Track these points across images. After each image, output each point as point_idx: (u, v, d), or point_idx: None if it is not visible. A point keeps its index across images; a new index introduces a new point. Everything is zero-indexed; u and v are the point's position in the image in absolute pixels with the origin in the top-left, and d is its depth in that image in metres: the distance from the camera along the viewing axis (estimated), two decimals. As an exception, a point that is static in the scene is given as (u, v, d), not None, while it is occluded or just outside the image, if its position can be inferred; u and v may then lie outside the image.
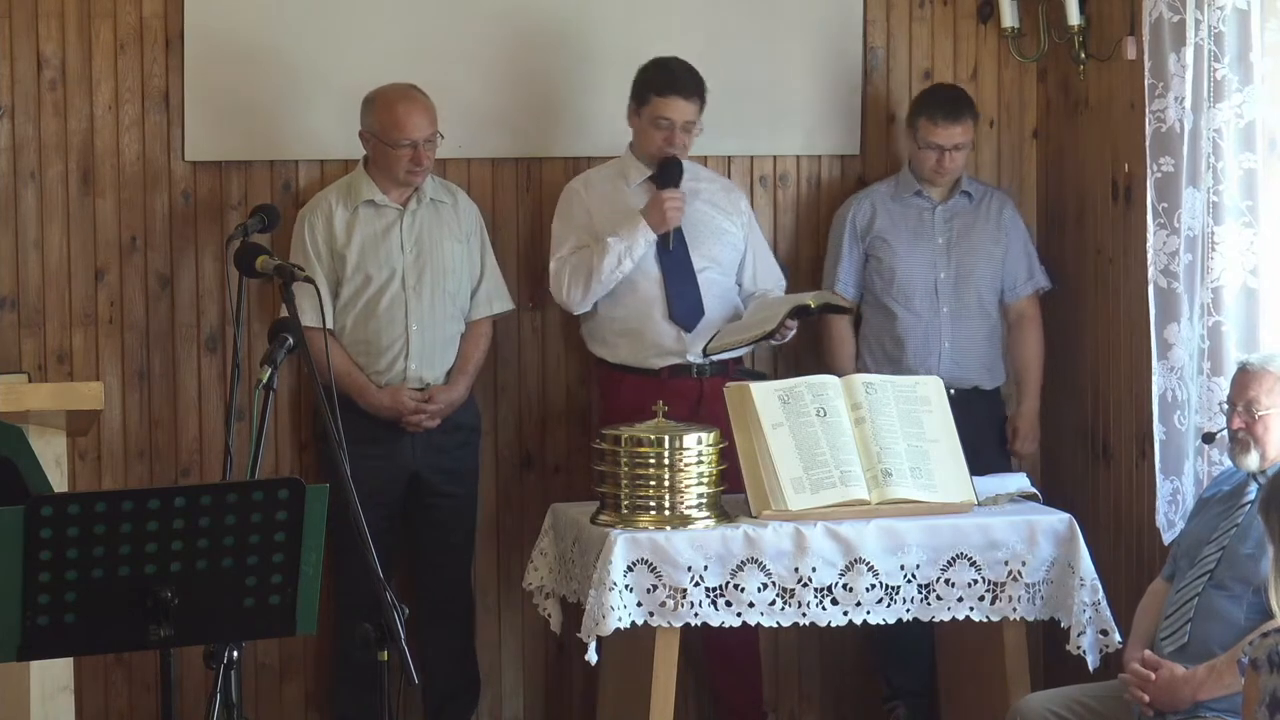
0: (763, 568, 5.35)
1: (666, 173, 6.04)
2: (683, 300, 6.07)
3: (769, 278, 6.24)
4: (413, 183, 6.01)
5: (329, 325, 5.90)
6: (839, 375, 5.74)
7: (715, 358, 6.08)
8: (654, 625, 5.34)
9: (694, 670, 6.37)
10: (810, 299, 5.98)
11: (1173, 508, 5.67)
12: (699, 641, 6.21)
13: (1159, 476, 5.70)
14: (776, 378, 6.10)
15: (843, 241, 6.35)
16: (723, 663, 6.30)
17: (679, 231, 6.06)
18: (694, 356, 6.09)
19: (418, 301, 6.01)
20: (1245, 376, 5.06)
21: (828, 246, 6.44)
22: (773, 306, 6.00)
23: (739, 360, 6.20)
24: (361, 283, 6.00)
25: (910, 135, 6.32)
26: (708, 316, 6.08)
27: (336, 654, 6.18)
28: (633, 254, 6.01)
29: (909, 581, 5.43)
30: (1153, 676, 4.91)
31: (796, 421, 5.45)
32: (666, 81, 6.02)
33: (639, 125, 6.10)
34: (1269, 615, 4.77)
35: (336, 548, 5.89)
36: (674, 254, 6.06)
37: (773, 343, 6.07)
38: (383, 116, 5.95)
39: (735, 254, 6.20)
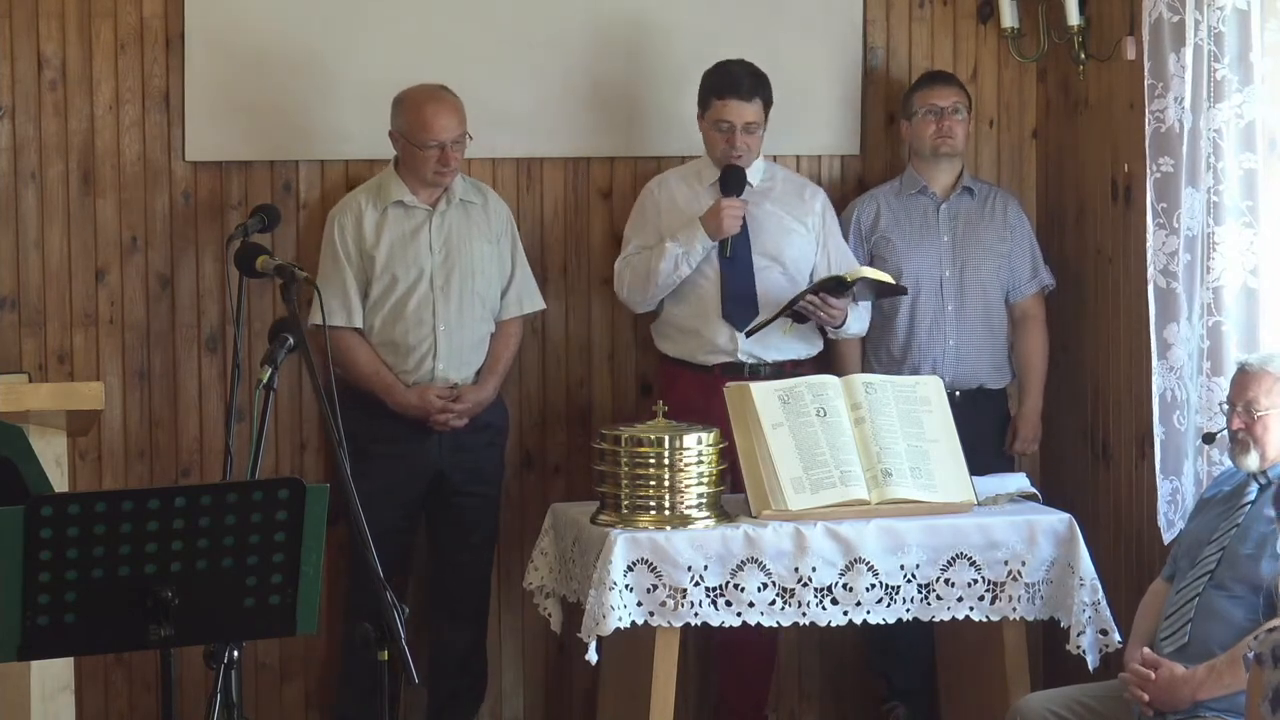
0: (763, 568, 5.36)
1: (729, 181, 6.06)
2: (737, 300, 6.07)
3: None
4: (441, 183, 6.01)
5: (331, 324, 5.89)
6: (842, 375, 5.75)
7: (764, 355, 6.08)
8: (654, 625, 5.34)
9: (694, 670, 6.37)
10: (846, 273, 5.98)
11: (1172, 508, 5.67)
12: (703, 640, 6.22)
13: (1159, 476, 5.70)
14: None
15: (847, 243, 6.34)
16: (733, 662, 6.28)
17: (740, 237, 6.07)
18: (744, 355, 6.09)
19: (445, 302, 6.01)
20: (1244, 377, 5.05)
21: (832, 248, 6.45)
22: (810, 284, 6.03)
23: (797, 363, 6.17)
24: (389, 283, 6.00)
25: (906, 124, 6.33)
26: (763, 317, 6.08)
27: (344, 654, 6.17)
28: (690, 259, 6.03)
29: (909, 581, 5.43)
30: (1153, 676, 4.91)
31: (796, 421, 5.45)
32: (724, 84, 6.05)
33: (705, 130, 6.12)
34: (1269, 615, 4.78)
35: (347, 547, 5.92)
36: (735, 254, 6.07)
37: (834, 329, 6.06)
38: (410, 117, 5.94)
39: (802, 253, 6.17)
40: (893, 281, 6.08)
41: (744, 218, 6.08)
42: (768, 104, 6.10)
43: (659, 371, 6.33)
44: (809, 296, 5.94)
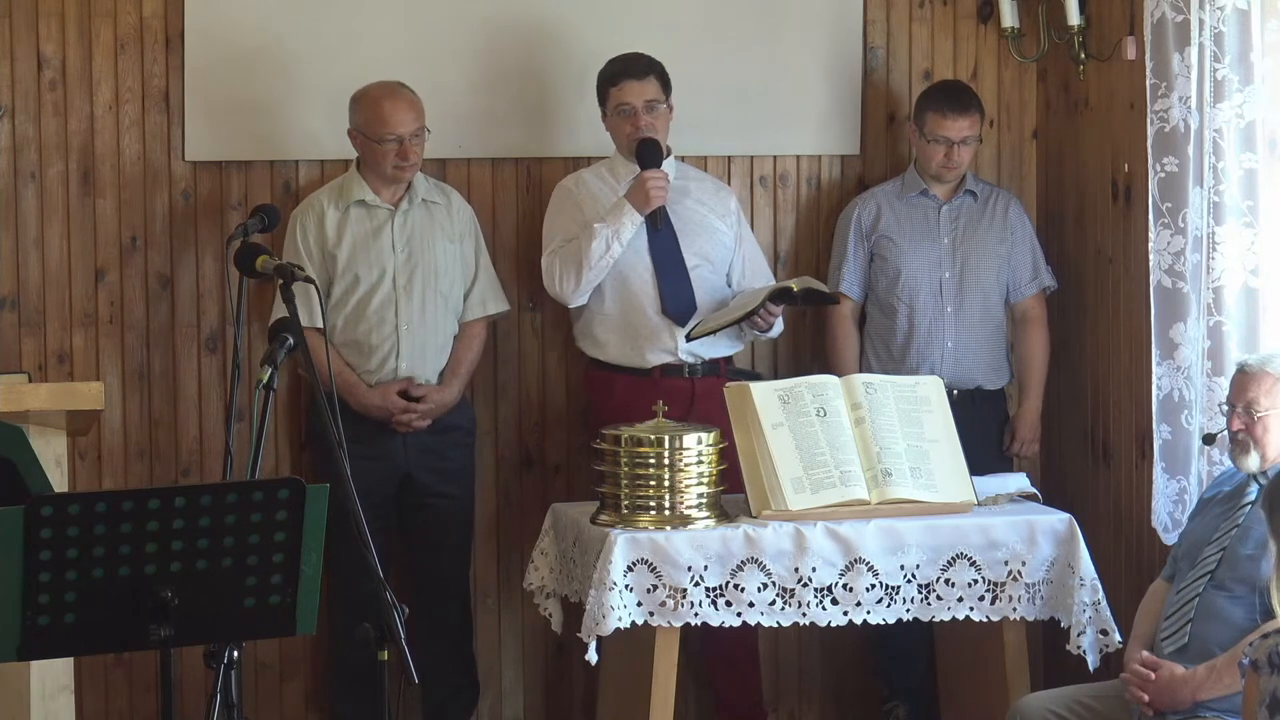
0: (763, 568, 5.35)
1: (646, 154, 6.03)
2: (675, 293, 6.06)
3: (758, 276, 6.23)
4: (401, 179, 6.01)
5: (319, 325, 5.90)
6: (843, 374, 5.75)
7: (702, 354, 6.08)
8: (654, 625, 5.34)
9: (694, 670, 6.38)
10: (793, 283, 5.99)
11: (1179, 508, 5.66)
12: (699, 641, 6.21)
13: (1163, 476, 5.70)
14: (777, 377, 6.11)
15: (848, 241, 6.35)
16: (722, 662, 6.29)
17: (668, 219, 6.06)
18: (685, 355, 6.09)
19: (408, 302, 6.01)
20: (1244, 378, 5.05)
21: (833, 246, 6.44)
22: (757, 292, 6.02)
23: (729, 360, 6.19)
24: (351, 282, 6.00)
25: (916, 133, 6.32)
26: (700, 312, 6.07)
27: (336, 654, 6.17)
28: (620, 237, 6.00)
29: (909, 581, 5.43)
30: (1153, 676, 4.91)
31: (796, 421, 5.45)
32: (615, 71, 6.09)
33: (610, 124, 6.12)
34: (1269, 616, 4.77)
35: (333, 547, 5.90)
36: (665, 247, 6.06)
37: (759, 333, 6.08)
38: (367, 113, 5.95)
39: (726, 252, 6.20)
40: (826, 290, 6.12)
41: (669, 216, 6.07)
42: (665, 85, 6.09)
43: (588, 379, 6.28)
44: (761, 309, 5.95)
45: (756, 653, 6.37)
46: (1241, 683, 4.39)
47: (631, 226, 6.01)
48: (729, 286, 6.19)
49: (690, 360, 6.10)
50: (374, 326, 6.00)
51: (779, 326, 6.14)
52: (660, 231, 6.04)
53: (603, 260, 6.00)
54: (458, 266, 6.10)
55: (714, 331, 6.01)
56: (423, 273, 6.03)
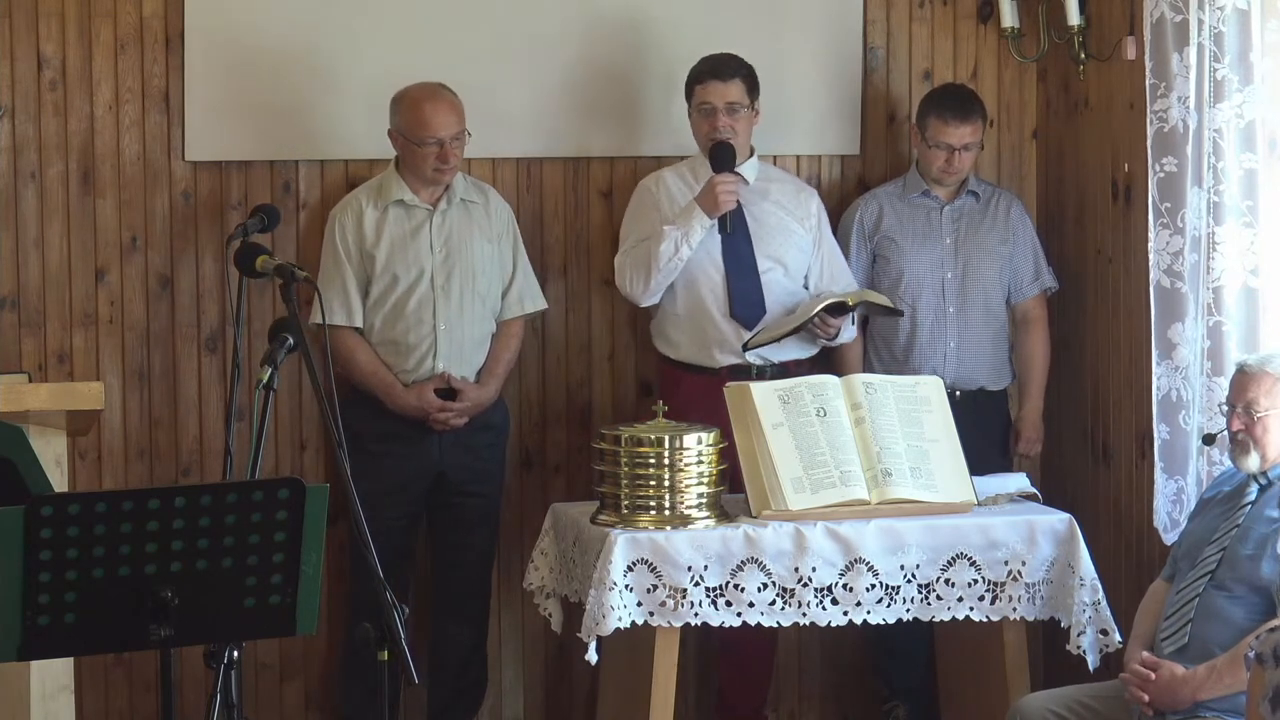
0: (763, 568, 5.36)
1: (718, 158, 6.05)
2: (744, 297, 6.07)
3: (836, 279, 6.21)
4: (440, 181, 6.01)
5: (331, 323, 5.91)
6: (846, 374, 5.75)
7: (771, 357, 6.08)
8: (654, 625, 5.34)
9: (694, 670, 6.38)
10: (849, 296, 6.00)
11: (1177, 508, 5.67)
12: (702, 642, 6.22)
13: (1162, 476, 5.70)
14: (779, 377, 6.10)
15: (850, 242, 6.35)
16: (734, 663, 6.28)
17: (741, 220, 6.07)
18: (753, 357, 6.09)
19: (446, 301, 6.01)
20: (1244, 378, 5.05)
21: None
22: (811, 303, 6.03)
23: (800, 363, 6.18)
24: (390, 282, 6.00)
25: (917, 135, 6.32)
26: (769, 316, 6.08)
27: (344, 654, 6.17)
28: (689, 240, 6.01)
29: (909, 581, 5.43)
30: (1153, 676, 4.91)
31: (796, 421, 5.45)
32: (703, 69, 6.12)
33: (693, 122, 6.14)
34: (1269, 615, 4.78)
35: (347, 548, 5.92)
36: (738, 250, 6.06)
37: (827, 342, 6.08)
38: (409, 115, 5.95)
39: (802, 255, 6.19)
40: (890, 304, 6.11)
41: (745, 218, 6.09)
42: (752, 89, 6.10)
43: (660, 375, 6.32)
44: (815, 320, 5.95)
45: (772, 659, 6.35)
46: (1245, 677, 4.39)
47: (701, 230, 6.02)
48: (806, 289, 6.18)
49: (758, 362, 6.10)
50: (411, 326, 6.01)
51: (848, 333, 6.15)
52: (733, 235, 6.05)
53: (671, 263, 6.02)
54: (495, 266, 6.10)
55: (769, 343, 6.02)
56: (460, 273, 6.03)
